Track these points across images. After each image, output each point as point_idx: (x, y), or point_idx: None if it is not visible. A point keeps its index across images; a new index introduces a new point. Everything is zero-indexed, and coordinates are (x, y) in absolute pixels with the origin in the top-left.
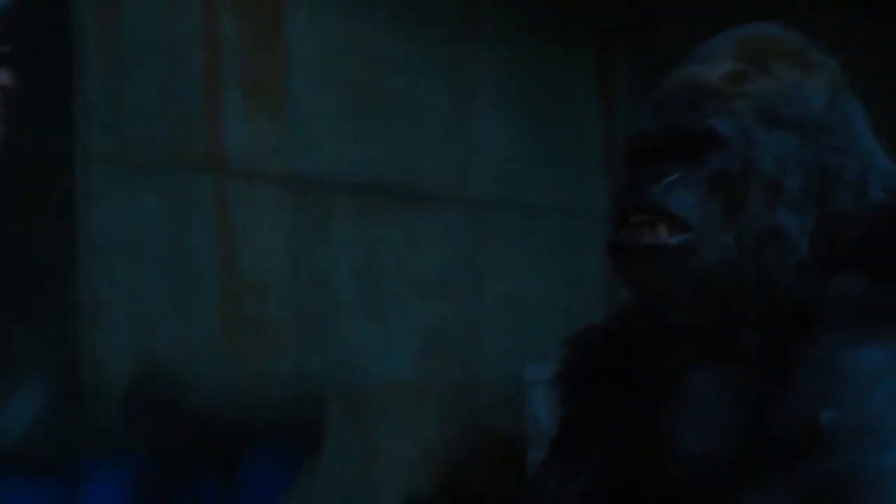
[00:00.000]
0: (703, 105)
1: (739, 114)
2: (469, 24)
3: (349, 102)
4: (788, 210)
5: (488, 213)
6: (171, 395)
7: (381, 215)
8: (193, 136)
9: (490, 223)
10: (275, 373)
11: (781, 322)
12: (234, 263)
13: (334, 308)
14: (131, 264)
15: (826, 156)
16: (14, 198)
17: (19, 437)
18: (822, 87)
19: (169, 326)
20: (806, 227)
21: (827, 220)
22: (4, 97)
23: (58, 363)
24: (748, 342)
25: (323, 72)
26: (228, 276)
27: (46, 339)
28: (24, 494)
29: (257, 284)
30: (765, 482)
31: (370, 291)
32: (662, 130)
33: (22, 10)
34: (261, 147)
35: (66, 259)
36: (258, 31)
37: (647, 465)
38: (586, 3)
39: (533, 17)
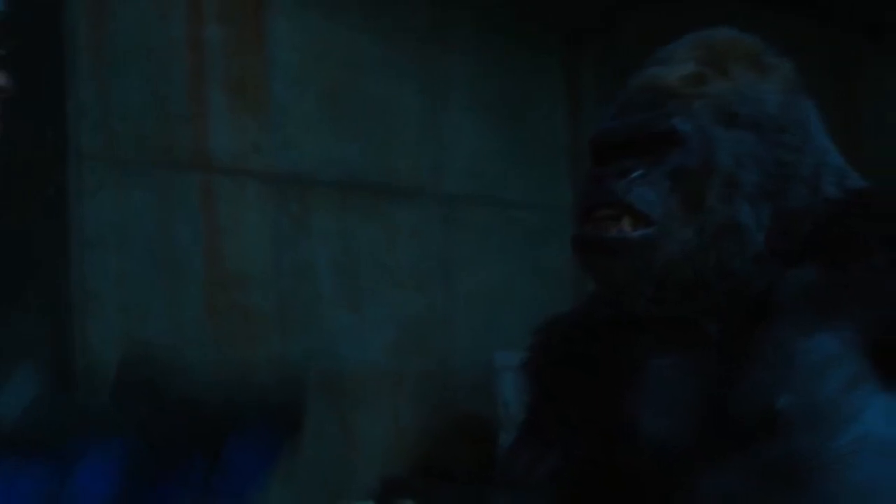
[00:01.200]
0: (665, 105)
1: (699, 114)
2: (442, 30)
3: (328, 103)
4: (746, 205)
5: (460, 209)
6: (159, 381)
7: (359, 210)
8: (180, 135)
9: (462, 218)
10: (257, 360)
11: (739, 311)
12: (219, 256)
13: (314, 298)
14: (121, 257)
15: (781, 153)
16: (9, 194)
17: (14, 420)
18: (777, 89)
19: (157, 316)
20: (762, 220)
21: (782, 213)
22: (1, 98)
23: (51, 350)
24: (708, 330)
25: (303, 74)
26: (213, 268)
27: (40, 327)
28: (19, 475)
29: (241, 276)
30: (723, 463)
31: (348, 283)
32: (626, 129)
33: (17, 16)
34: (244, 145)
35: (59, 252)
36: (241, 35)
37: (612, 447)
38: (554, 9)
39: (503, 22)
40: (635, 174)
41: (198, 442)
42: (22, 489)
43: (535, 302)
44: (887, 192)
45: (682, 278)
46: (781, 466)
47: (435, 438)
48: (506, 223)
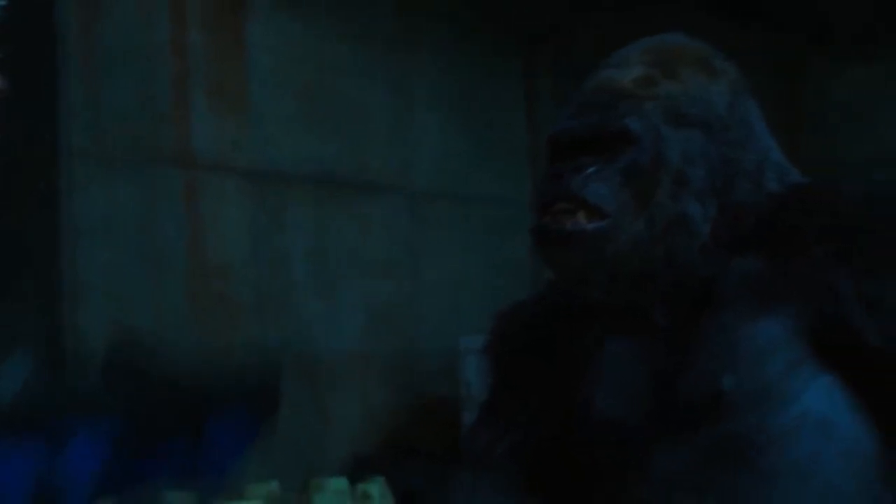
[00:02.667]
0: (618, 106)
1: (650, 114)
2: (410, 34)
3: (303, 103)
4: (693, 199)
5: (427, 203)
6: (144, 364)
7: (332, 204)
8: (164, 134)
9: (429, 211)
10: (236, 344)
11: (687, 299)
12: (201, 247)
13: (290, 286)
14: (109, 248)
15: (727, 151)
16: (4, 189)
17: (9, 401)
18: (723, 90)
19: (142, 303)
20: (709, 214)
21: (728, 207)
22: None
23: (44, 335)
24: (657, 318)
25: (280, 76)
26: (195, 259)
27: (34, 314)
28: (12, 453)
29: (221, 266)
30: (673, 443)
31: (322, 272)
32: (582, 129)
33: (10, 20)
34: (224, 144)
35: (51, 243)
36: (221, 40)
37: (568, 428)
38: (514, 14)
39: (466, 27)
40: (590, 171)
41: (180, 421)
42: (15, 467)
43: (496, 290)
44: (824, 188)
45: (632, 269)
46: (727, 445)
47: (403, 418)
48: (469, 216)
